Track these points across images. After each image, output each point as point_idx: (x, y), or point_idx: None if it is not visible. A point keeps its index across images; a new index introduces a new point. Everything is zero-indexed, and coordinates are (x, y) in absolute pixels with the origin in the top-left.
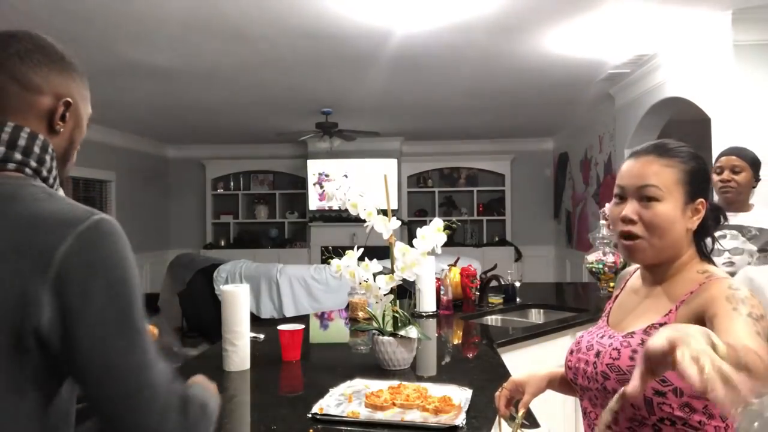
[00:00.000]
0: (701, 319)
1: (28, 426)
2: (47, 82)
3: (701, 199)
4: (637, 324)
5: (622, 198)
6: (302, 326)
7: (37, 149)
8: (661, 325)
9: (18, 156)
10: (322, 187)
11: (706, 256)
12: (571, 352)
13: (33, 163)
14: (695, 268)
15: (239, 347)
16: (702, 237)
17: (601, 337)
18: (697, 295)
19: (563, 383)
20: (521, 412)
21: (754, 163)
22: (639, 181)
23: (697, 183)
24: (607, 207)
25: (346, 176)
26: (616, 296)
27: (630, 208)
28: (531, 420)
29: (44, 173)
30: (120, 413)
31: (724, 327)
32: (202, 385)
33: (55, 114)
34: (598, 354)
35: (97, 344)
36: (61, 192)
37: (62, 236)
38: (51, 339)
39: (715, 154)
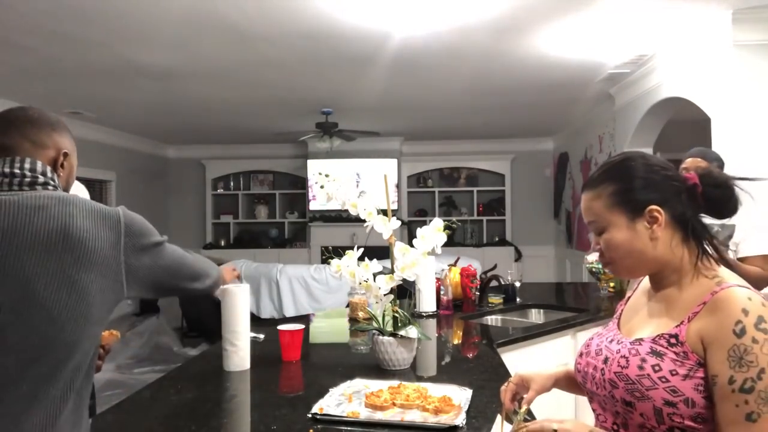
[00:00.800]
0: (705, 343)
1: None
2: (51, 139)
3: (651, 207)
4: (645, 329)
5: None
6: (302, 326)
7: (50, 175)
8: (671, 336)
9: (41, 178)
10: (322, 187)
11: (714, 259)
12: (581, 355)
13: (52, 183)
14: (704, 272)
15: (239, 347)
16: (697, 235)
17: (610, 341)
18: (706, 314)
19: (571, 383)
20: (524, 408)
21: (720, 164)
22: (585, 219)
23: (630, 197)
24: None
25: (358, 175)
26: (629, 297)
27: (593, 242)
28: (531, 419)
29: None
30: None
31: (717, 402)
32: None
33: (58, 161)
34: (606, 360)
35: (165, 256)
36: None
37: (112, 213)
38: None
39: None
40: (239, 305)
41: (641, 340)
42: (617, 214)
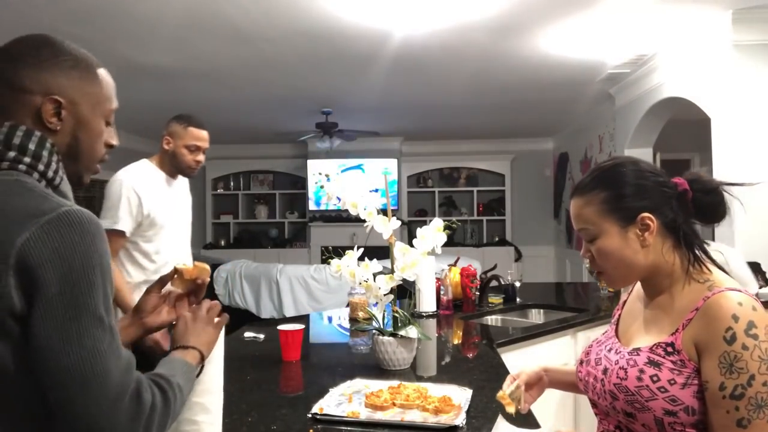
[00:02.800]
0: (699, 350)
1: (25, 408)
2: (36, 81)
3: (643, 214)
4: (642, 338)
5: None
6: (302, 326)
7: (32, 146)
8: (668, 344)
9: (11, 154)
10: (322, 187)
11: (702, 263)
12: (581, 363)
13: (27, 159)
14: (696, 277)
15: (213, 414)
16: (687, 240)
17: (609, 350)
18: (699, 321)
19: (569, 386)
20: (515, 384)
21: None
22: (576, 226)
23: (621, 205)
24: None
25: (361, 167)
26: (624, 301)
27: (583, 249)
28: (531, 420)
29: (41, 167)
30: (70, 398)
31: (709, 408)
32: (179, 359)
33: (44, 113)
34: (605, 371)
35: (49, 327)
36: (66, 186)
37: (25, 226)
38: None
39: (715, 154)
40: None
41: (639, 350)
42: (609, 221)
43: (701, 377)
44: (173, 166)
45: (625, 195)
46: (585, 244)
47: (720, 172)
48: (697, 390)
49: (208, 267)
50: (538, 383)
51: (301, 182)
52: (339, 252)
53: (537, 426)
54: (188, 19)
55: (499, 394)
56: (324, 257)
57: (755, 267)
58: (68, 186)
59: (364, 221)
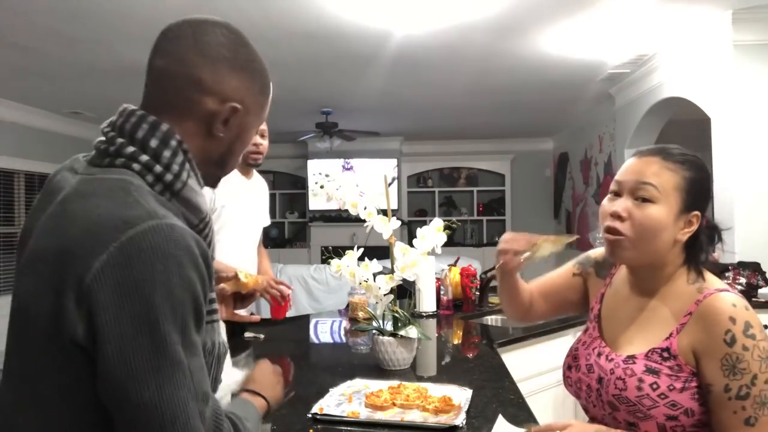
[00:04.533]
0: (697, 355)
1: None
2: (220, 84)
3: (697, 212)
4: (635, 344)
5: (617, 194)
6: (291, 288)
7: (154, 143)
8: (663, 350)
9: (129, 150)
10: (322, 187)
11: (694, 265)
12: (569, 368)
13: (144, 158)
14: (684, 277)
15: None
16: (694, 253)
17: (599, 355)
18: (695, 325)
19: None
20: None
21: None
22: (637, 177)
23: (695, 193)
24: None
25: (350, 167)
26: (603, 294)
27: (621, 204)
28: (531, 421)
29: (158, 169)
30: None
31: (714, 410)
32: (253, 405)
33: (216, 119)
34: (600, 380)
35: (123, 375)
36: (190, 193)
37: (104, 245)
38: (89, 350)
39: (715, 154)
40: None
41: (634, 357)
42: (677, 197)
43: (700, 380)
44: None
45: (701, 187)
46: (630, 201)
47: (720, 172)
48: (695, 392)
49: (266, 281)
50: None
51: (301, 182)
52: (339, 252)
53: (536, 424)
54: (188, 19)
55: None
56: (324, 257)
57: (755, 267)
58: (196, 193)
59: (364, 221)
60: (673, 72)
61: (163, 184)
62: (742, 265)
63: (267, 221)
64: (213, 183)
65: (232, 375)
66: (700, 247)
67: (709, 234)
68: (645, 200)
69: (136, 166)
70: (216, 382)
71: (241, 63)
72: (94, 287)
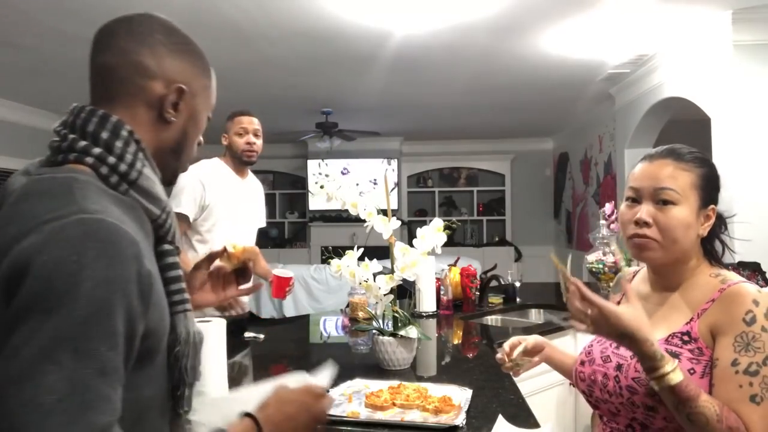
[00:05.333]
0: (714, 333)
1: None
2: (162, 66)
3: (713, 206)
4: (656, 332)
5: (636, 200)
6: (292, 275)
7: (105, 135)
8: (683, 333)
9: (81, 144)
10: (322, 187)
11: (716, 260)
12: (582, 363)
13: (97, 150)
14: (706, 271)
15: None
16: (709, 242)
17: (617, 347)
18: (716, 308)
19: (562, 366)
20: (521, 348)
21: None
22: (656, 183)
23: (710, 188)
24: (608, 207)
25: (347, 172)
26: (618, 302)
27: (645, 211)
28: (531, 421)
29: (111, 160)
30: None
31: (716, 384)
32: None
33: (165, 102)
34: (619, 367)
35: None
36: (147, 182)
37: (25, 234)
38: None
39: (715, 154)
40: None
41: None
42: (695, 196)
43: (711, 358)
44: (234, 158)
45: (714, 184)
46: (653, 207)
47: (720, 172)
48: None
49: (257, 249)
50: (539, 353)
51: (301, 182)
52: (339, 252)
53: (537, 426)
54: (189, 20)
55: (498, 356)
56: (324, 257)
57: (755, 267)
58: (153, 182)
59: (364, 221)
60: (673, 72)
61: (118, 174)
62: (742, 265)
63: (262, 222)
64: (171, 176)
65: (243, 396)
66: (714, 237)
67: (719, 223)
68: (666, 203)
69: (89, 159)
70: (194, 371)
71: (179, 46)
72: (7, 273)
